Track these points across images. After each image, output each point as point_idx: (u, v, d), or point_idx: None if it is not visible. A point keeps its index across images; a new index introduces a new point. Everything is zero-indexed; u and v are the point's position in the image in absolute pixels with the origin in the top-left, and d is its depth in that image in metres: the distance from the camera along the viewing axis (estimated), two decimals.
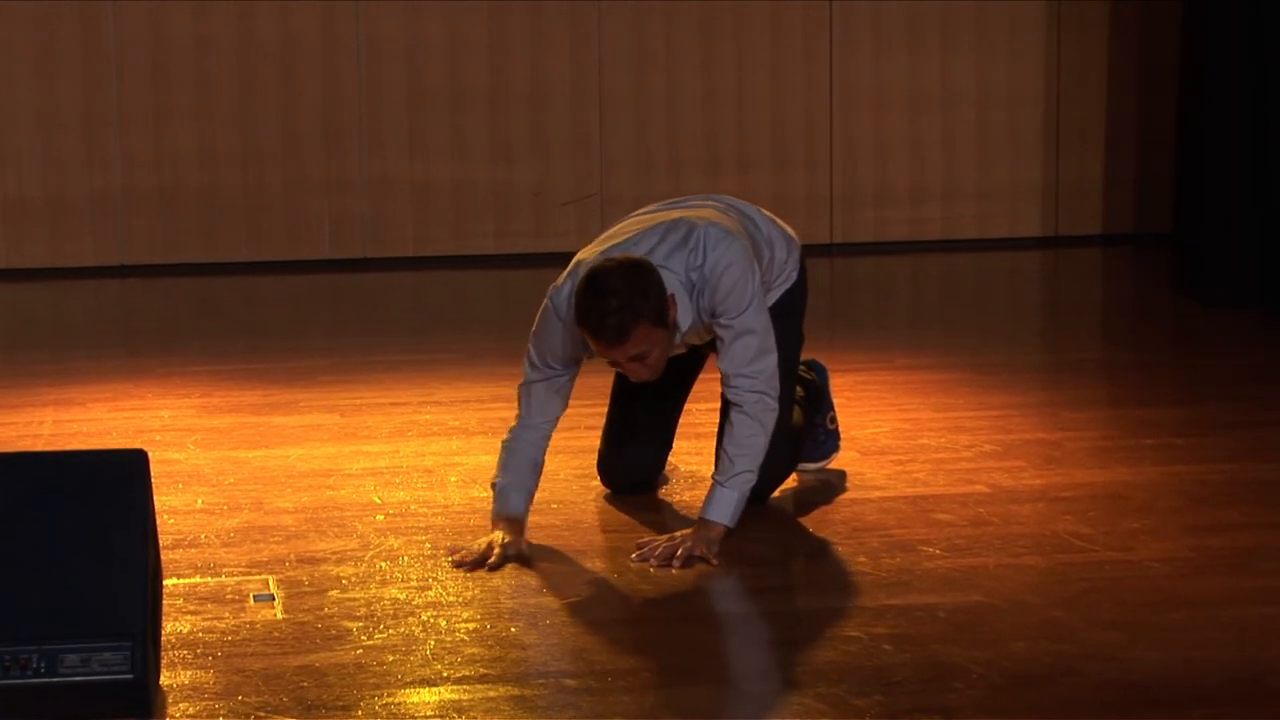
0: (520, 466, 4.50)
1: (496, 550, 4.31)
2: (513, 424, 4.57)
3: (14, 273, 8.71)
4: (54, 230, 8.81)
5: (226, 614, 3.93)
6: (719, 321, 4.46)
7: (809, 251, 4.99)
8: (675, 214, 4.59)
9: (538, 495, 4.80)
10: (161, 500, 4.32)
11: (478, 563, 4.28)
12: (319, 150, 8.95)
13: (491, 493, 4.50)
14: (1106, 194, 9.56)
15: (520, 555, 4.33)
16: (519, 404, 4.57)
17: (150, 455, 3.54)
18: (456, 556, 4.32)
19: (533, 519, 4.56)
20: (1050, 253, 9.45)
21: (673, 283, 4.39)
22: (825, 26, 9.23)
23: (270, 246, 8.98)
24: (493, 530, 4.42)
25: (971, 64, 9.37)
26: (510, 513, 4.44)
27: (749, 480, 4.40)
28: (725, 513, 4.37)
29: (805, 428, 5.06)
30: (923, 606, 3.97)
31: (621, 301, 4.26)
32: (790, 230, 4.90)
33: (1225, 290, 7.74)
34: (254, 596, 4.05)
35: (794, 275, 4.87)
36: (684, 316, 4.44)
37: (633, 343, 4.29)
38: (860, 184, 9.39)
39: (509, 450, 4.54)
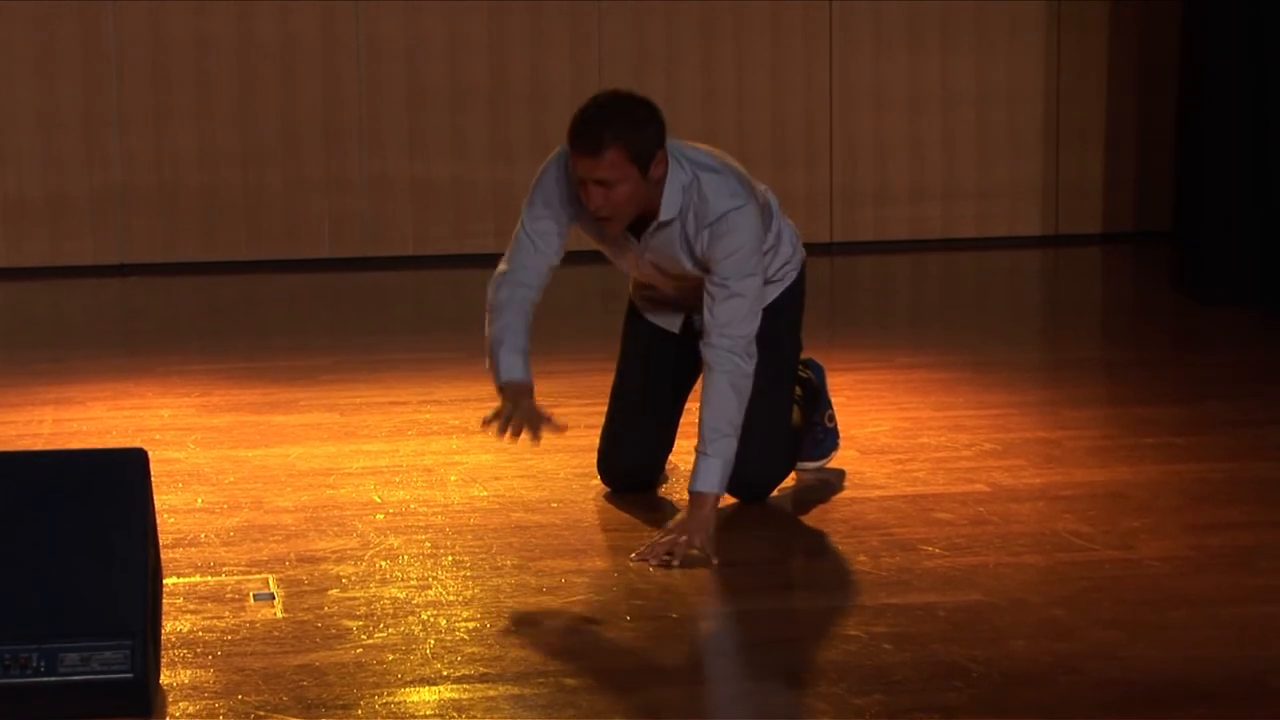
0: (513, 319, 4.58)
1: (510, 429, 4.42)
2: (501, 267, 4.64)
3: (14, 271, 8.71)
4: (54, 229, 8.81)
5: (226, 613, 3.92)
6: (712, 278, 4.50)
7: (809, 250, 4.99)
8: (722, 154, 4.67)
9: (537, 495, 4.85)
10: (161, 499, 4.32)
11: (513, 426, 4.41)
12: (319, 150, 8.95)
13: (486, 345, 4.58)
14: (1106, 193, 9.57)
15: (541, 419, 4.44)
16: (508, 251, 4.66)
17: (150, 454, 3.53)
18: (501, 435, 4.43)
19: (533, 518, 4.58)
20: (1050, 251, 9.45)
21: (675, 170, 4.49)
22: (825, 26, 9.23)
23: (270, 245, 8.98)
24: (502, 396, 4.49)
25: (971, 64, 9.37)
26: (516, 379, 4.50)
27: (730, 445, 4.42)
28: (713, 481, 4.39)
29: (804, 427, 5.06)
30: (922, 605, 3.97)
31: (612, 117, 4.42)
32: (797, 233, 4.93)
33: (1225, 289, 7.74)
34: (254, 595, 4.04)
35: (793, 275, 4.89)
36: (669, 203, 4.50)
37: (605, 162, 4.38)
38: (860, 183, 9.39)
39: (500, 300, 4.61)
